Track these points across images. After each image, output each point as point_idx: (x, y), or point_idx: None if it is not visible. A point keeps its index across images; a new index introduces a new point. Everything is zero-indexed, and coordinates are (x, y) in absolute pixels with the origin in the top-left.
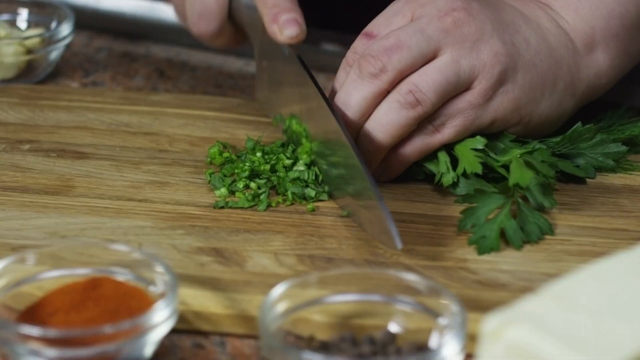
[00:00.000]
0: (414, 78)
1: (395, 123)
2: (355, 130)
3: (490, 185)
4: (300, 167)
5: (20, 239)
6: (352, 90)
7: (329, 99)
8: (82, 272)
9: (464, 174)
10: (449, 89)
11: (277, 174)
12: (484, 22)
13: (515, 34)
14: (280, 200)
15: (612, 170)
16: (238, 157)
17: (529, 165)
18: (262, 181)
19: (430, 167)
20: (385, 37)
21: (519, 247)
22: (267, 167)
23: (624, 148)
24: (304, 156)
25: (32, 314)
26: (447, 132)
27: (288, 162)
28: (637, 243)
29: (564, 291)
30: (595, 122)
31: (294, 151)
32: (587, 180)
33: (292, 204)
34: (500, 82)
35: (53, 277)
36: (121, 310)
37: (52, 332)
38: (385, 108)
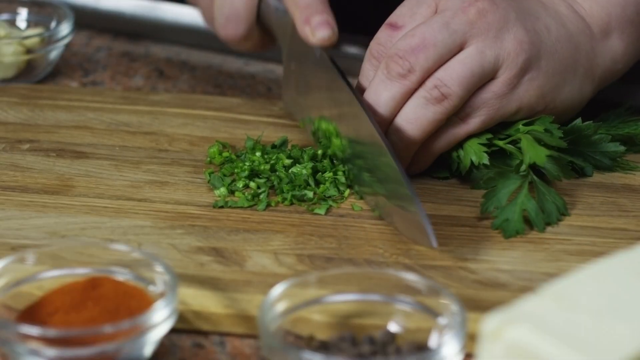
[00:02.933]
0: (439, 73)
1: (423, 119)
2: (384, 128)
3: (505, 167)
4: (302, 168)
5: (19, 239)
6: (380, 90)
7: (361, 99)
8: (81, 272)
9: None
10: (474, 80)
11: (277, 173)
12: (507, 10)
13: (536, 22)
14: (279, 199)
15: (610, 169)
16: (237, 156)
17: (538, 140)
18: (262, 181)
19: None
20: (411, 35)
21: (542, 230)
22: (267, 166)
23: (621, 148)
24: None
25: (32, 313)
26: (472, 123)
27: (288, 161)
28: (637, 243)
29: (564, 291)
30: (595, 122)
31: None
32: (587, 179)
33: (291, 203)
34: (524, 70)
35: (53, 277)
36: (121, 310)
37: (51, 332)
38: (413, 105)
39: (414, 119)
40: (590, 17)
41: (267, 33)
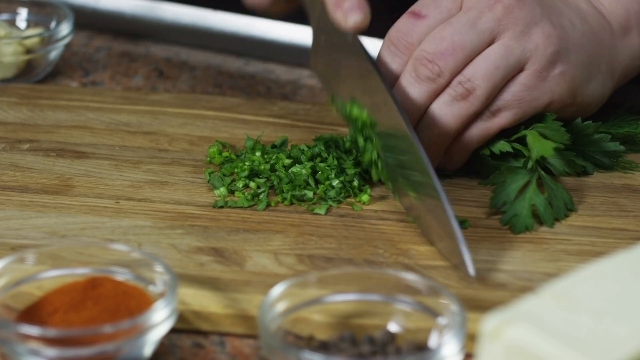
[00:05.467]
0: (464, 71)
1: (450, 116)
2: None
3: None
4: (301, 168)
5: (19, 239)
6: (408, 92)
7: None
8: (81, 272)
9: (490, 155)
10: (499, 73)
11: (277, 173)
12: (533, 6)
13: (560, 17)
14: (279, 199)
15: (610, 168)
16: (237, 156)
17: (543, 136)
18: (262, 180)
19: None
20: (440, 37)
21: (551, 225)
22: (267, 166)
23: (621, 147)
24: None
25: (32, 313)
26: (504, 117)
27: (288, 161)
28: (637, 243)
29: (563, 291)
30: (595, 121)
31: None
32: (587, 179)
33: (291, 203)
34: (553, 62)
35: (52, 277)
36: (121, 310)
37: (51, 332)
38: (439, 103)
39: (441, 116)
40: (610, 14)
41: None
